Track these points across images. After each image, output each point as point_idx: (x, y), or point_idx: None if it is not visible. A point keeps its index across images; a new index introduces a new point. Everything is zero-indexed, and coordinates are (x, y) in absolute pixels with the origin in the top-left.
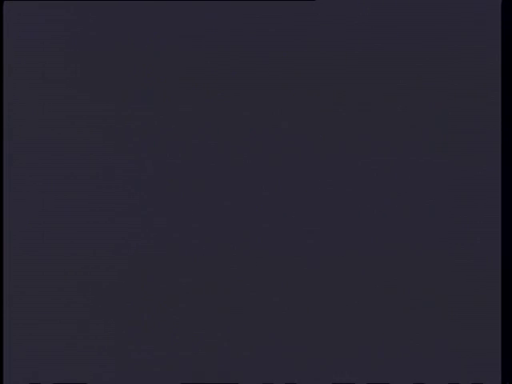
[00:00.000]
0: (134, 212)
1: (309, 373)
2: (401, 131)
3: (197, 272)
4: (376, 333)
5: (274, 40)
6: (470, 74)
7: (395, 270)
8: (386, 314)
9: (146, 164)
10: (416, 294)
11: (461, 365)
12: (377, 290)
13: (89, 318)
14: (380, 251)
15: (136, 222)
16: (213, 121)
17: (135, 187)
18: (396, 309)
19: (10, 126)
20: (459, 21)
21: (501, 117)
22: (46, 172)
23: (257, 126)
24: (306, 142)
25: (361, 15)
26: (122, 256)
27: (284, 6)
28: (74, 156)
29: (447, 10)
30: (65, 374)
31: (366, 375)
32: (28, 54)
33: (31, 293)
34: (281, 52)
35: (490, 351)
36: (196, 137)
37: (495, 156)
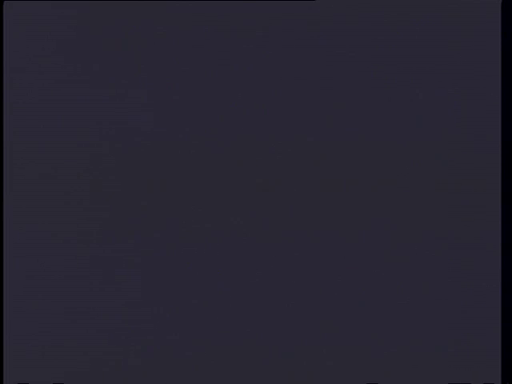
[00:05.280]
0: (135, 212)
1: (309, 373)
2: (400, 131)
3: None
4: (376, 333)
5: (274, 40)
6: (470, 74)
7: (395, 269)
8: (386, 314)
9: (146, 164)
10: (416, 294)
11: (461, 365)
12: (376, 291)
13: (90, 319)
14: (379, 250)
15: (137, 222)
16: (212, 121)
17: (136, 187)
18: (396, 309)
19: (10, 126)
20: (459, 21)
21: (501, 117)
22: (45, 173)
23: (256, 127)
24: (305, 142)
25: (361, 15)
26: (122, 256)
27: (284, 6)
28: (74, 156)
29: (447, 10)
30: (65, 374)
31: (365, 375)
32: (28, 54)
33: (32, 293)
34: (280, 52)
35: (489, 351)
36: (196, 137)
37: (495, 157)
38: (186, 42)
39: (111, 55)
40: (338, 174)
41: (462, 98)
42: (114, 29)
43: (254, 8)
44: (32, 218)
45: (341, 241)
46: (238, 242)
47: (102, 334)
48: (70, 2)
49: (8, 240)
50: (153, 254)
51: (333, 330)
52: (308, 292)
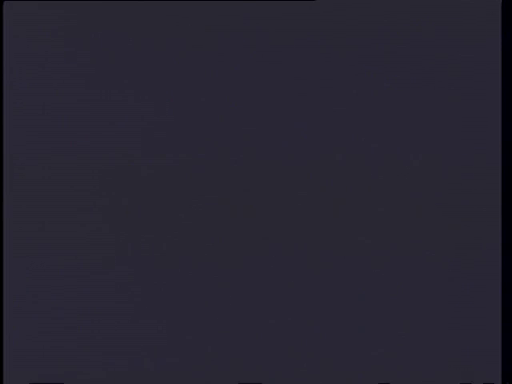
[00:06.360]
0: (135, 212)
1: (308, 372)
2: (400, 131)
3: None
4: (376, 334)
5: (274, 40)
6: (470, 75)
7: (395, 269)
8: (386, 314)
9: (147, 163)
10: (416, 294)
11: (461, 365)
12: (376, 291)
13: (90, 319)
14: (379, 250)
15: (137, 223)
16: (212, 121)
17: (135, 186)
18: (396, 309)
19: (10, 126)
20: (459, 21)
21: (501, 117)
22: (45, 172)
23: (255, 127)
24: (305, 142)
25: (361, 15)
26: (122, 255)
27: (284, 6)
28: (74, 155)
29: (447, 11)
30: (65, 374)
31: (365, 375)
32: (28, 54)
33: (32, 293)
34: (280, 52)
35: (489, 351)
36: (196, 136)
37: (495, 157)
38: (186, 42)
39: (112, 55)
40: (336, 171)
41: (462, 97)
42: (114, 29)
43: (254, 8)
44: (32, 218)
45: (341, 235)
46: (238, 246)
47: (102, 334)
48: (70, 3)
49: (8, 240)
50: (153, 254)
51: (332, 330)
52: (309, 295)
